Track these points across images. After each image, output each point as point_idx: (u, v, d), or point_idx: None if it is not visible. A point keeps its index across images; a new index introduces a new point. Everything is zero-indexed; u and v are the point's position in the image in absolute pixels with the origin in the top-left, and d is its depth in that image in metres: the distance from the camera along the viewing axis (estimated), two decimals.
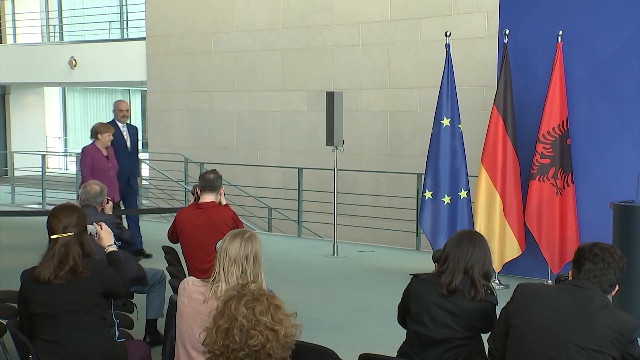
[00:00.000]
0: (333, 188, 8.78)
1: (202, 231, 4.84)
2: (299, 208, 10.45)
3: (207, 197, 4.97)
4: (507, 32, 7.06)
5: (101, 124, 7.79)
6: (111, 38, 17.90)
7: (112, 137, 7.58)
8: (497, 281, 6.98)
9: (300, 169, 10.53)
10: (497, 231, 6.99)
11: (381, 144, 11.20)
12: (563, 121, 6.88)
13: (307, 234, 10.58)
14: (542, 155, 6.90)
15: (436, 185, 7.14)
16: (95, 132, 7.55)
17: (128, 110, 8.25)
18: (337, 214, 8.79)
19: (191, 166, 12.56)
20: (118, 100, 8.46)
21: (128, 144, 8.15)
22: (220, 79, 12.90)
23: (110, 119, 8.18)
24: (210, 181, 4.98)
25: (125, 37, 17.68)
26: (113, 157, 7.69)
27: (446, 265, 3.17)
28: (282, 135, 12.26)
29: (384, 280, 7.19)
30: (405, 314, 3.33)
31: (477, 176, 7.05)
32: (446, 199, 7.10)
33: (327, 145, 8.52)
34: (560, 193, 6.92)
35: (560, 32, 6.82)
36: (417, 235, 9.06)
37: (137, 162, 8.37)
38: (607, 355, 2.68)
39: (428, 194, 7.17)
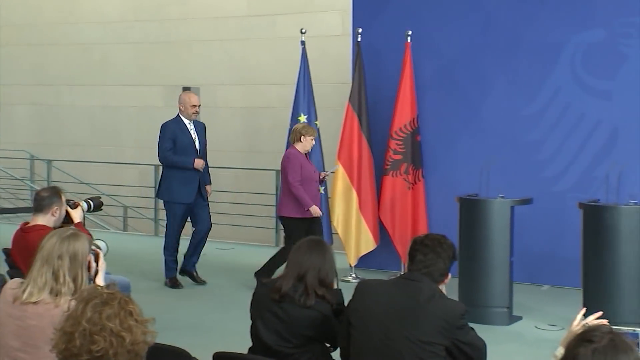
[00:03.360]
0: None
1: (24, 257, 4.14)
2: (156, 206, 10.20)
3: (36, 219, 4.25)
4: (359, 30, 7.25)
5: (304, 124, 6.71)
6: None
7: (314, 142, 6.54)
8: (353, 275, 7.15)
9: (156, 166, 10.27)
10: (353, 226, 7.15)
11: (240, 140, 11.14)
12: (413, 118, 7.16)
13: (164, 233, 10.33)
14: (394, 152, 7.15)
15: None
16: (297, 133, 6.45)
17: (200, 106, 6.83)
18: None
19: (38, 164, 11.89)
20: (188, 93, 6.94)
21: (197, 144, 6.73)
22: (70, 72, 12.29)
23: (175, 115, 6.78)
24: (37, 200, 4.29)
25: None
26: (312, 163, 6.67)
27: (285, 271, 3.16)
28: (137, 131, 11.87)
29: (242, 278, 7.15)
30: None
31: (334, 172, 7.18)
32: None
33: None
34: (412, 188, 7.20)
35: (409, 32, 7.09)
36: (276, 232, 9.10)
37: (207, 167, 6.88)
38: (436, 345, 2.71)
39: None
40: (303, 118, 7.18)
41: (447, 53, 7.21)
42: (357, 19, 7.53)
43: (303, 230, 6.31)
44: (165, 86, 11.44)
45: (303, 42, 7.29)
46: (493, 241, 5.72)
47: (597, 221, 5.46)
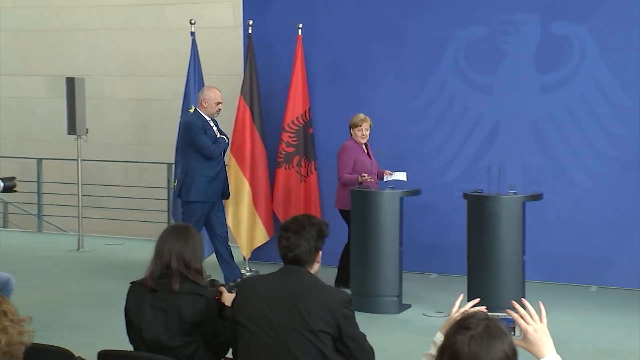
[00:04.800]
0: (77, 179, 8.39)
1: None
2: (38, 201, 9.80)
3: None
4: (250, 22, 7.21)
5: (356, 114, 6.31)
6: None
7: (367, 133, 6.22)
8: (247, 268, 7.12)
9: (39, 160, 9.88)
10: (246, 218, 7.13)
11: (129, 133, 10.83)
12: (305, 111, 7.22)
13: (49, 229, 9.95)
14: (287, 144, 7.17)
15: None
16: (349, 125, 6.22)
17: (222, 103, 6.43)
18: (81, 206, 8.40)
19: None
20: (212, 89, 6.39)
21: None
22: None
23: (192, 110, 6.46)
24: None
25: None
26: (372, 155, 6.34)
27: (151, 261, 3.09)
28: (18, 124, 11.32)
29: (132, 274, 6.84)
30: (128, 329, 3.16)
31: (228, 164, 7.11)
32: None
33: (68, 134, 8.12)
34: (304, 180, 7.26)
35: (300, 25, 7.13)
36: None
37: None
38: (323, 334, 2.72)
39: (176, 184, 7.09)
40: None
41: (337, 47, 7.30)
42: (248, 11, 7.49)
43: None
44: (47, 76, 10.95)
45: (193, 33, 7.18)
46: (383, 232, 5.85)
47: (479, 211, 5.69)
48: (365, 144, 6.34)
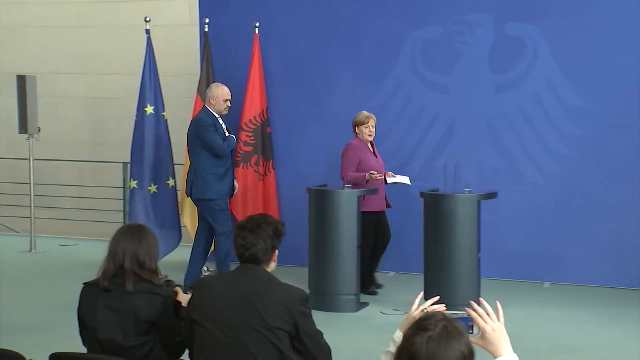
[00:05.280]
0: (29, 179, 8.23)
1: None
2: None
3: None
4: (207, 20, 7.16)
5: (359, 112, 6.15)
6: None
7: (373, 130, 6.08)
8: (205, 268, 7.06)
9: None
10: None
11: (83, 131, 10.64)
12: (263, 110, 7.19)
13: (0, 229, 9.71)
14: (245, 143, 7.14)
15: (141, 174, 7.01)
16: (352, 124, 6.09)
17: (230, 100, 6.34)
18: (34, 206, 8.24)
19: None
20: (220, 85, 6.35)
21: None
22: None
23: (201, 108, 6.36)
24: None
25: None
26: (379, 155, 6.16)
27: (104, 260, 3.06)
28: None
29: (86, 275, 6.75)
30: (81, 330, 3.11)
31: (183, 164, 7.05)
32: (152, 188, 7.00)
33: (20, 133, 7.95)
34: (262, 179, 7.24)
35: (257, 24, 7.10)
36: None
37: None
38: (280, 331, 2.72)
39: (133, 183, 7.02)
40: (150, 109, 7.00)
41: (294, 45, 7.29)
42: (204, 9, 7.43)
43: (371, 223, 6.12)
44: None
45: (148, 31, 7.09)
46: (341, 231, 5.85)
47: (436, 209, 5.74)
48: (371, 142, 6.26)
